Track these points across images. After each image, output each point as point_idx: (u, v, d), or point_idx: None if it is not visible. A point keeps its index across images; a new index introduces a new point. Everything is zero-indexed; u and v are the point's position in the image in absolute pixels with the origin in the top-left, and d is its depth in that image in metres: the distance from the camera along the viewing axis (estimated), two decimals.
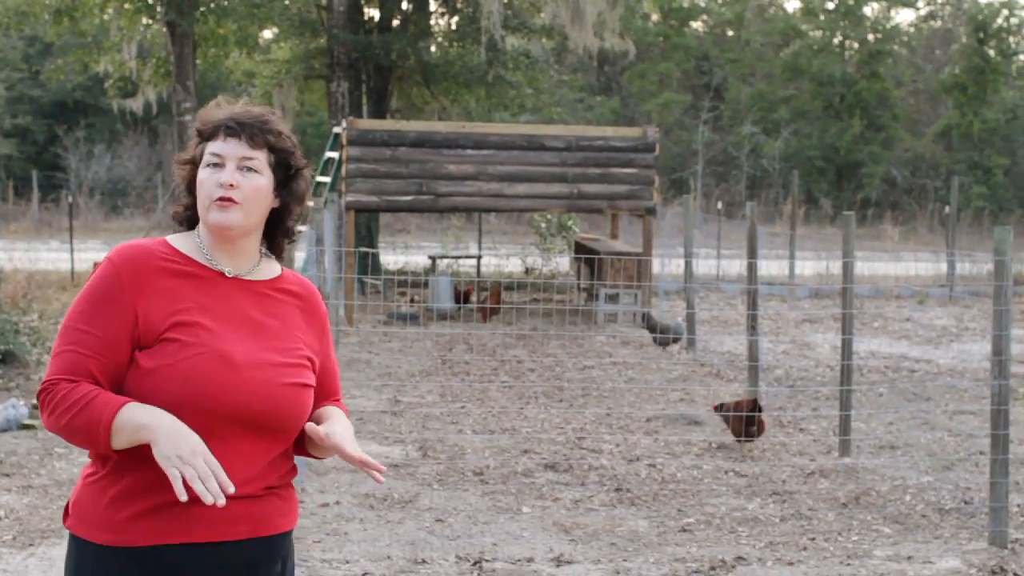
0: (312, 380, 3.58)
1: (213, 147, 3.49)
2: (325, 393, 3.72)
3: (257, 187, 3.50)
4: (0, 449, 10.60)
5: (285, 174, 3.58)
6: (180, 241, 3.56)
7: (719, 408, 11.44)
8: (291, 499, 3.61)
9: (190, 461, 3.23)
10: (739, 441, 11.26)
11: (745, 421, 11.09)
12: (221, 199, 3.45)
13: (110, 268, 3.44)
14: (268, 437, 3.46)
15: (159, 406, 3.32)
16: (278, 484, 3.54)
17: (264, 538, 3.51)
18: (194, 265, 3.51)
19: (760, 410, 11.25)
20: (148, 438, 3.26)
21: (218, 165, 3.48)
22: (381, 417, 12.25)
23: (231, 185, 3.45)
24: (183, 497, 3.22)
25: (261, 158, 3.51)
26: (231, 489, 3.27)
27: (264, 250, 3.65)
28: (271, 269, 3.66)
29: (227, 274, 3.53)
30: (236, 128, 3.49)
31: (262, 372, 3.42)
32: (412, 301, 20.40)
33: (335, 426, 3.54)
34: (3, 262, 21.43)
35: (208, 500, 3.22)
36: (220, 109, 3.57)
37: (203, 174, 3.49)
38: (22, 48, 45.05)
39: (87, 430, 3.31)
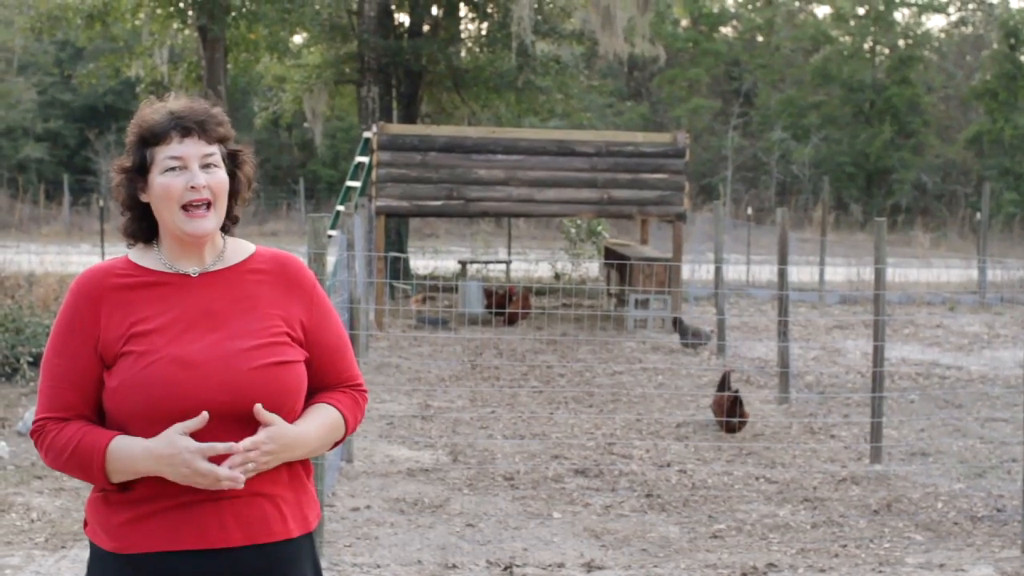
0: (294, 356, 3.49)
1: (170, 150, 3.41)
2: (327, 376, 3.63)
3: (222, 182, 3.46)
4: (32, 451, 10.64)
5: (233, 162, 3.54)
6: (140, 255, 3.52)
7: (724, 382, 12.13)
8: (301, 504, 3.52)
9: (196, 476, 3.28)
10: (720, 424, 12.00)
11: (727, 416, 11.86)
12: (192, 205, 3.41)
13: (69, 299, 3.46)
14: (254, 429, 3.38)
15: (126, 420, 3.35)
16: (284, 486, 3.47)
17: (261, 546, 3.44)
18: (153, 274, 3.47)
19: (740, 404, 11.89)
20: (143, 472, 3.32)
21: (180, 168, 3.41)
22: (411, 421, 12.26)
23: (204, 186, 3.41)
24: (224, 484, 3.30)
25: (218, 152, 3.47)
26: (237, 446, 3.30)
27: (225, 236, 3.59)
28: (240, 251, 3.59)
29: (192, 274, 3.49)
30: (192, 127, 3.42)
31: (225, 363, 3.36)
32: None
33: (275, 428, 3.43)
34: (35, 265, 21.52)
35: (238, 485, 3.30)
36: (156, 109, 3.48)
37: (164, 180, 3.41)
38: (54, 52, 45.29)
39: (82, 471, 3.39)
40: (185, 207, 3.41)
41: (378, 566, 7.78)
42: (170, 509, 3.34)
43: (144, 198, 3.47)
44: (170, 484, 3.33)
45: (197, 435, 3.32)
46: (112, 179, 3.54)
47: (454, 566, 7.85)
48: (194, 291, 3.47)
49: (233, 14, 25.13)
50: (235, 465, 3.30)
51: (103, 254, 24.14)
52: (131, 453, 3.32)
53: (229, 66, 27.30)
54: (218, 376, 3.35)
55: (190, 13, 25.63)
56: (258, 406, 3.34)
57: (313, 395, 3.59)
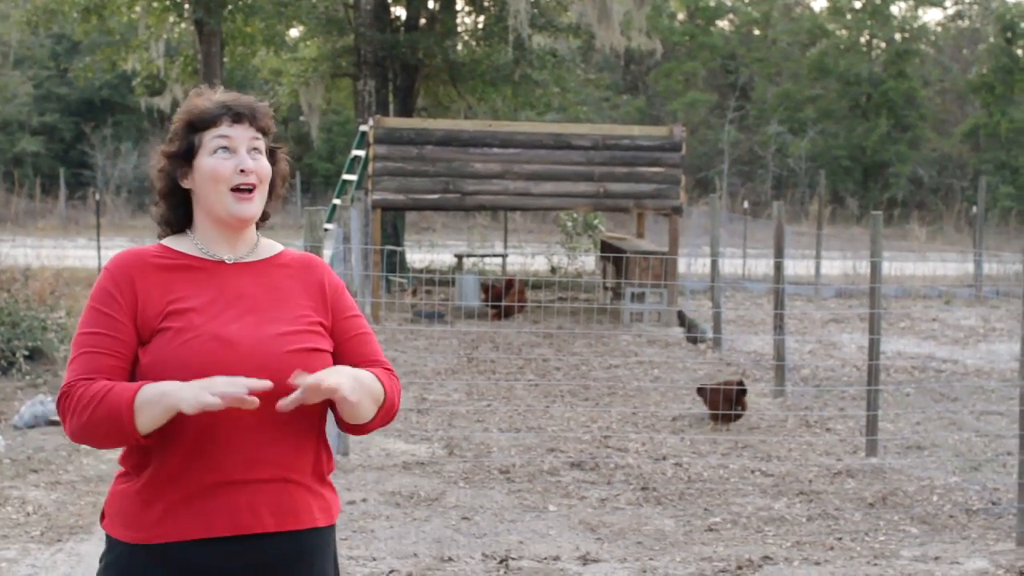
0: (325, 345, 3.52)
1: (221, 131, 3.47)
2: (359, 357, 3.61)
3: (267, 169, 3.52)
4: (28, 445, 10.65)
5: (272, 156, 3.59)
6: (174, 241, 3.56)
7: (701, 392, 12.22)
8: (324, 495, 3.55)
9: (210, 390, 3.20)
10: (715, 416, 11.92)
11: (724, 398, 11.87)
12: (240, 188, 3.46)
13: (106, 275, 3.47)
14: (286, 412, 3.37)
15: None
16: (308, 475, 3.48)
17: (294, 532, 3.46)
18: (188, 258, 3.51)
19: (744, 389, 11.96)
20: (173, 403, 3.22)
21: (228, 149, 3.46)
22: (408, 415, 12.26)
23: (251, 170, 3.46)
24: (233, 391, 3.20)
25: (263, 141, 3.53)
26: (264, 383, 3.25)
27: (258, 233, 3.64)
28: (269, 248, 3.64)
29: (227, 261, 3.53)
30: (243, 112, 3.49)
31: (263, 344, 3.39)
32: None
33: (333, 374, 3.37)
34: (31, 259, 21.53)
35: (259, 386, 3.22)
36: (205, 98, 3.53)
37: (212, 161, 3.46)
38: (50, 46, 45.21)
39: (109, 420, 3.27)
40: (234, 189, 3.46)
41: (374, 559, 7.78)
42: (198, 496, 3.34)
43: (186, 184, 3.52)
44: (195, 468, 3.33)
45: (233, 417, 3.31)
46: (154, 165, 3.57)
47: (450, 559, 7.86)
48: (228, 276, 3.51)
49: (229, 7, 25.11)
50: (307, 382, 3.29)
51: (99, 248, 24.13)
52: (161, 389, 3.24)
53: (225, 60, 27.29)
54: (256, 358, 3.37)
55: (186, 6, 25.62)
56: (297, 372, 3.30)
57: None
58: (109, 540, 3.49)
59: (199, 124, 3.50)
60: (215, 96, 3.54)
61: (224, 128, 3.47)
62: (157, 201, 3.59)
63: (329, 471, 3.60)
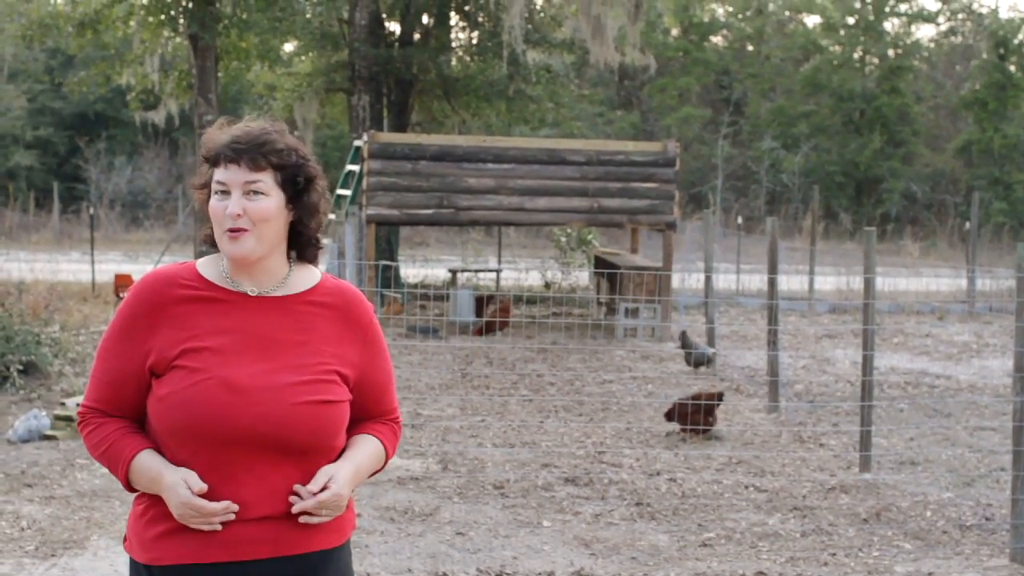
0: (340, 395, 3.52)
1: (217, 175, 3.49)
2: (370, 409, 3.68)
3: (265, 210, 3.47)
4: (22, 459, 10.64)
5: (294, 188, 3.54)
6: (206, 266, 3.58)
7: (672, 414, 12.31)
8: (337, 517, 3.57)
9: (189, 515, 3.37)
10: (685, 429, 12.08)
11: (696, 411, 12.07)
12: (231, 230, 3.46)
13: (132, 299, 3.53)
14: (292, 460, 3.44)
15: (167, 433, 3.41)
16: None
17: (289, 557, 3.48)
18: (215, 289, 3.52)
19: (720, 399, 12.30)
20: (159, 491, 3.43)
21: (224, 193, 3.47)
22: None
23: (238, 215, 3.44)
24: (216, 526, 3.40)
25: (266, 179, 3.48)
26: (234, 507, 3.39)
27: (294, 261, 3.62)
28: (304, 280, 3.62)
29: (250, 294, 3.53)
30: (234, 155, 3.46)
31: (272, 393, 3.39)
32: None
33: (337, 468, 3.52)
34: (25, 273, 21.52)
35: (218, 526, 3.40)
36: (222, 132, 3.54)
37: (212, 202, 3.49)
38: (44, 60, 45.23)
39: (111, 469, 3.50)
40: (228, 230, 3.48)
41: (368, 574, 7.79)
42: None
43: None
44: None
45: (236, 461, 3.39)
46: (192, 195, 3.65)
47: (444, 574, 7.86)
48: (252, 314, 3.52)
49: (224, 22, 25.12)
50: (307, 508, 3.43)
51: (93, 262, 24.12)
52: (149, 475, 3.43)
53: (220, 74, 27.29)
54: (263, 406, 3.39)
55: (181, 21, 25.62)
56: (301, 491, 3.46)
57: (354, 424, 3.64)
58: (130, 561, 3.58)
59: (209, 160, 3.54)
60: (230, 130, 3.54)
61: (220, 170, 3.49)
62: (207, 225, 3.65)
63: None
